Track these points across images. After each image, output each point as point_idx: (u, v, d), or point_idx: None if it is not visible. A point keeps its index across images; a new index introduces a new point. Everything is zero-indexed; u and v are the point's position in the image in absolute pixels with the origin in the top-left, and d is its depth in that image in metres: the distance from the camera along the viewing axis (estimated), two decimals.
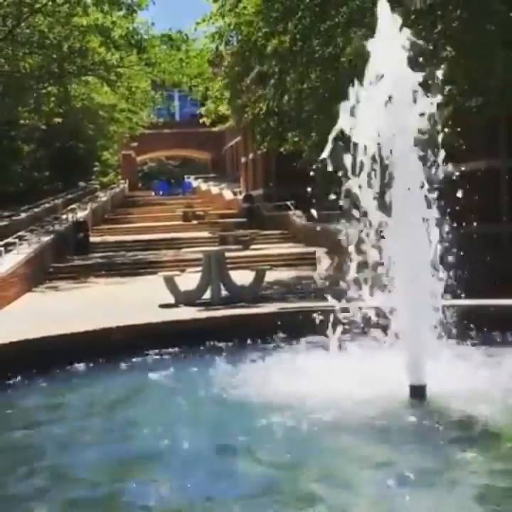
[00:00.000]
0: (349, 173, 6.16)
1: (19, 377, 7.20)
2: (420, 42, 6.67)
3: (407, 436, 5.34)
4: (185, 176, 63.47)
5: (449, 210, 6.41)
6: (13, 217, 28.85)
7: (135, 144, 55.66)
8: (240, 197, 39.48)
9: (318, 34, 17.53)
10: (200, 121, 30.10)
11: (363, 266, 6.27)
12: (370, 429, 5.41)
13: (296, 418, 5.54)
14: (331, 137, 6.02)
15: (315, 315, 7.06)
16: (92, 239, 29.88)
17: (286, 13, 17.83)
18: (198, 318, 9.70)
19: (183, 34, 27.90)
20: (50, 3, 24.14)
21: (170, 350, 8.14)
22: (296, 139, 22.39)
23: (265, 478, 4.69)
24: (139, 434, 5.70)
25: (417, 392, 6.00)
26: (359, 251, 6.26)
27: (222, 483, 4.69)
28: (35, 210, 32.24)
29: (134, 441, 5.62)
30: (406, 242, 6.19)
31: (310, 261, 23.19)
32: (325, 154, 6.00)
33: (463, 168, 8.27)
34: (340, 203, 6.22)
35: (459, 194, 6.68)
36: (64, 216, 30.53)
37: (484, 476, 4.52)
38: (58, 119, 32.08)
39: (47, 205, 34.32)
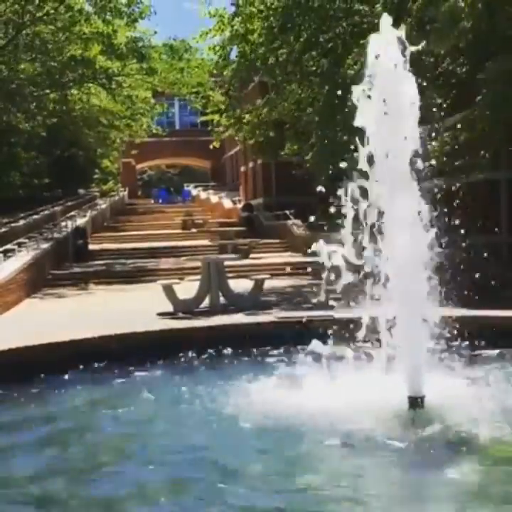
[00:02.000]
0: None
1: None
2: None
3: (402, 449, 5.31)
4: (185, 185, 63.48)
5: (449, 221, 6.42)
6: (13, 224, 28.84)
7: (135, 152, 55.71)
8: (239, 206, 39.51)
9: (318, 46, 17.64)
10: (209, 131, 30.13)
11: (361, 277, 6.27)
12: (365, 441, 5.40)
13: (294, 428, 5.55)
14: None
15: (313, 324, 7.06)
16: (91, 246, 29.86)
17: (284, 29, 18.00)
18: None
19: (186, 43, 28.02)
20: (52, 11, 24.23)
21: None
22: (295, 147, 22.50)
23: None
24: None
25: (416, 404, 5.99)
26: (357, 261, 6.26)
27: None
28: (35, 217, 32.24)
29: None
30: (404, 253, 6.19)
31: (309, 270, 23.18)
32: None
33: (463, 180, 8.31)
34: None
35: (460, 205, 6.69)
36: (63, 223, 30.53)
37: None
38: (56, 121, 32.08)
39: (46, 212, 34.32)
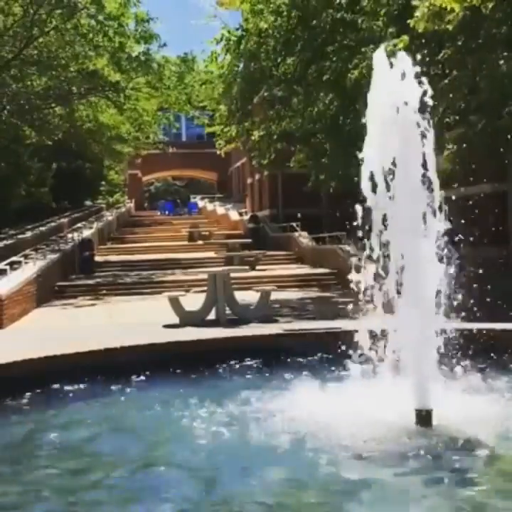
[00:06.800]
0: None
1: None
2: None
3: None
4: (191, 196, 63.61)
5: (456, 232, 6.39)
6: (19, 236, 28.92)
7: (141, 163, 55.89)
8: (246, 217, 39.51)
9: (323, 57, 17.68)
10: (215, 143, 30.12)
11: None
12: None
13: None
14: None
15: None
16: (97, 258, 29.89)
17: (285, 47, 18.16)
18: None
19: (197, 60, 28.23)
20: (61, 25, 24.38)
21: None
22: (301, 155, 22.51)
23: None
24: None
25: (423, 417, 5.92)
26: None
27: None
28: (42, 228, 32.34)
29: None
30: (412, 264, 6.15)
31: (316, 282, 23.21)
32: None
33: (470, 192, 8.29)
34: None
35: (467, 217, 6.65)
36: (70, 235, 30.60)
37: None
38: (63, 134, 32.19)
39: (53, 224, 34.42)
